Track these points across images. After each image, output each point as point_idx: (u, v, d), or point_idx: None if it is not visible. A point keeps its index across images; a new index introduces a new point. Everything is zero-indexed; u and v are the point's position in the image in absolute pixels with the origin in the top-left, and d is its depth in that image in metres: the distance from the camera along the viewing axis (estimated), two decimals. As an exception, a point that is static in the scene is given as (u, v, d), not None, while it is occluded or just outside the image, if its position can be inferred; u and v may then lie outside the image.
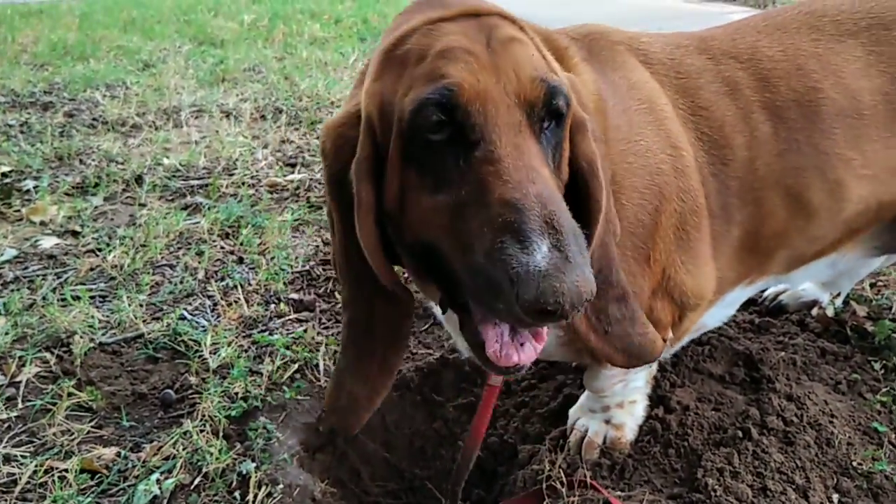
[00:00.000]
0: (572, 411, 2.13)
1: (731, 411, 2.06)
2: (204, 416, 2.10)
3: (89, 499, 1.83)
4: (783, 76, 1.79)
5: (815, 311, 2.57)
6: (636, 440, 2.05)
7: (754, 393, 2.14)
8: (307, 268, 2.96)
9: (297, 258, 3.02)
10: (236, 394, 2.21)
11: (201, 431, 2.05)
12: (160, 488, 1.86)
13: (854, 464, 1.90)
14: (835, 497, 1.83)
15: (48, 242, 3.12)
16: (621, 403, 2.04)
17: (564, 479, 1.89)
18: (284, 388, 2.27)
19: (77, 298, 2.67)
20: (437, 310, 1.60)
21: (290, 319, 2.64)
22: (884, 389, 2.17)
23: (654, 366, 2.08)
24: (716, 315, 2.01)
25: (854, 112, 1.78)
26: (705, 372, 2.27)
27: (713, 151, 1.74)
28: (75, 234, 3.22)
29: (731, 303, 2.01)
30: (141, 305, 2.67)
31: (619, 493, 1.88)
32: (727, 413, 2.06)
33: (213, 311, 2.67)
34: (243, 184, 3.76)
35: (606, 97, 1.64)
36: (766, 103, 1.77)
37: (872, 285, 2.79)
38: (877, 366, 2.28)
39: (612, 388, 2.00)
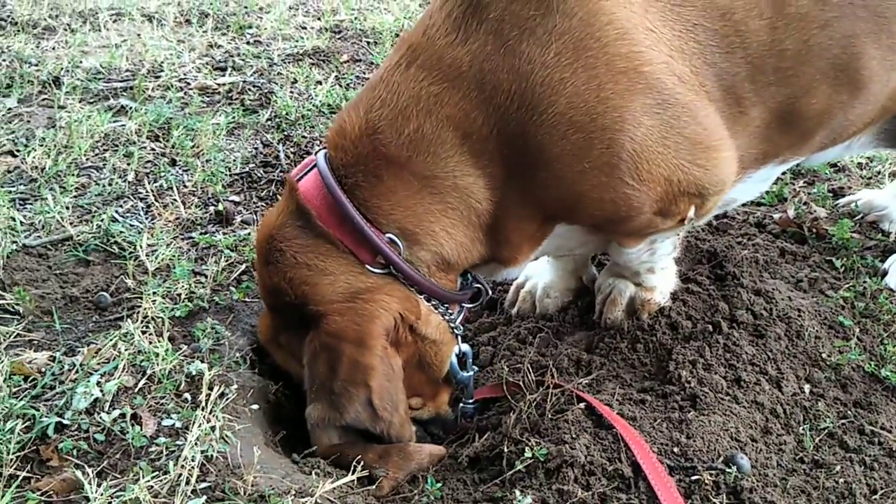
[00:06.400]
0: (601, 274, 2.10)
1: (700, 306, 2.01)
2: (146, 317, 1.94)
3: (22, 402, 1.67)
4: None
5: (777, 215, 2.54)
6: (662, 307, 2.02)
7: (720, 289, 2.09)
8: (247, 170, 2.78)
9: (234, 160, 2.84)
10: (179, 295, 2.06)
11: (144, 333, 1.89)
12: (101, 390, 1.70)
13: (823, 356, 1.88)
14: (806, 388, 1.81)
15: (-42, 143, 2.86)
16: (652, 268, 1.99)
17: (533, 377, 1.82)
18: (231, 289, 2.13)
19: (-5, 200, 2.45)
20: None
21: (232, 222, 2.48)
22: (845, 286, 2.16)
23: (682, 230, 2.00)
24: (747, 191, 1.96)
25: None
26: (669, 270, 2.21)
27: (711, 42, 1.61)
28: (-12, 135, 2.95)
29: (763, 178, 1.95)
30: (67, 207, 2.46)
31: (585, 387, 1.83)
32: (695, 308, 2.01)
33: (146, 212, 2.48)
34: (171, 86, 3.51)
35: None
36: None
37: (831, 190, 2.78)
38: (837, 263, 2.26)
39: (640, 258, 1.95)
